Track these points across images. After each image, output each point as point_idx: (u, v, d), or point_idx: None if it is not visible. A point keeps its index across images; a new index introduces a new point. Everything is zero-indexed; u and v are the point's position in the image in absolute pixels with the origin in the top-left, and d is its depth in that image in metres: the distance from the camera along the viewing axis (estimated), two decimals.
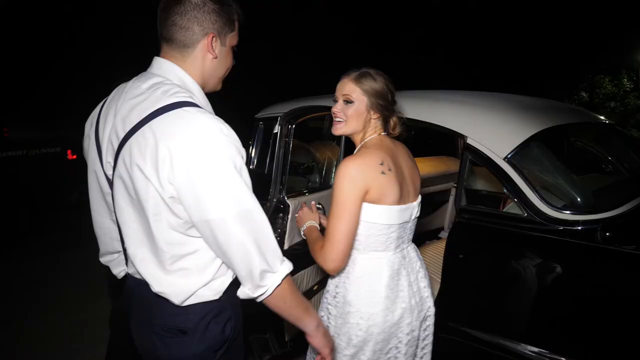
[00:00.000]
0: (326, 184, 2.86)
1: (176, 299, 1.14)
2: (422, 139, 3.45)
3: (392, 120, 1.67)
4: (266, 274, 1.12)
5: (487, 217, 2.03)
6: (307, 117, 2.67)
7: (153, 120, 1.06)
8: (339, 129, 1.64)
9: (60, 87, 9.71)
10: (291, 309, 1.21)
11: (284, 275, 1.15)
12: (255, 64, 9.87)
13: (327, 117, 2.85)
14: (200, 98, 1.20)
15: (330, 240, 1.47)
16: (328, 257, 1.48)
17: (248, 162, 2.93)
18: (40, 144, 6.04)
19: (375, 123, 1.64)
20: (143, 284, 1.18)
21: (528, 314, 1.86)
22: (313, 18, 13.55)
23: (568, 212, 1.86)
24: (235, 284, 1.20)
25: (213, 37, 1.19)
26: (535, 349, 1.76)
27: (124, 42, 10.40)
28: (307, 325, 1.26)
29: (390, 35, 14.80)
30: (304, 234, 1.70)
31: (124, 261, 1.28)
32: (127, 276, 1.29)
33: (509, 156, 1.98)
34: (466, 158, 2.06)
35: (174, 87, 1.13)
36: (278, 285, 1.14)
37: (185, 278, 1.14)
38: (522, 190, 1.93)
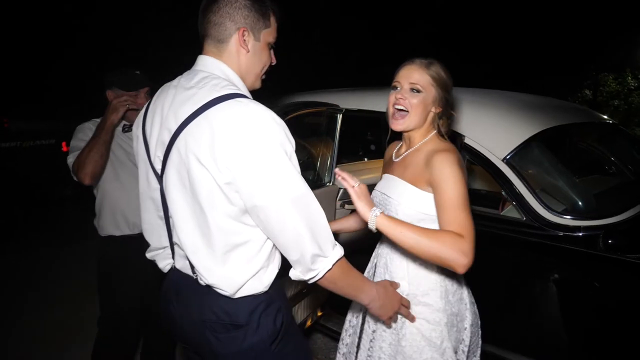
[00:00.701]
0: (320, 182, 2.77)
1: (228, 290, 1.17)
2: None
3: (443, 119, 1.50)
4: (317, 258, 1.15)
5: (484, 220, 1.94)
6: (299, 113, 2.59)
7: (207, 111, 1.10)
8: (401, 123, 1.47)
9: (58, 80, 9.70)
10: (343, 289, 1.26)
11: (335, 260, 1.18)
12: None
13: (324, 113, 2.76)
14: (245, 91, 1.23)
15: (468, 232, 1.25)
16: (469, 251, 1.22)
17: None
18: (36, 136, 5.96)
19: (431, 120, 1.50)
20: (192, 279, 1.24)
21: (525, 323, 1.78)
22: (321, 15, 13.48)
23: (569, 217, 1.77)
24: (280, 275, 1.25)
25: (244, 31, 1.21)
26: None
27: (121, 41, 10.46)
28: (361, 300, 1.33)
29: (394, 30, 14.67)
30: (377, 225, 1.30)
31: (171, 255, 1.33)
32: (173, 270, 1.34)
33: (508, 157, 1.90)
34: (463, 158, 1.98)
35: (223, 81, 1.18)
36: (329, 270, 1.17)
37: (236, 269, 1.17)
38: (521, 194, 1.85)
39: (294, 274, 1.20)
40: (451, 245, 1.21)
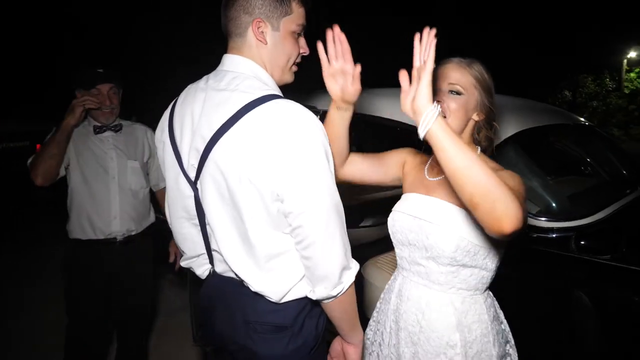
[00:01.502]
0: None
1: (275, 297, 1.14)
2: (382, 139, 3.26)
3: (483, 132, 1.29)
4: (345, 271, 1.11)
5: None
6: None
7: (244, 117, 1.06)
8: None
9: (31, 81, 9.57)
10: (352, 312, 1.19)
11: (356, 272, 1.15)
12: None
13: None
14: (275, 88, 1.17)
15: (521, 194, 1.06)
16: (523, 216, 0.96)
17: None
18: (9, 138, 5.83)
19: (470, 131, 1.29)
20: (235, 282, 1.19)
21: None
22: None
23: (543, 219, 1.78)
24: None
25: (259, 22, 1.14)
26: None
27: (94, 40, 10.35)
28: (357, 334, 1.23)
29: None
30: (433, 129, 0.98)
31: (208, 261, 1.28)
32: (213, 275, 1.28)
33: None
34: None
35: (254, 81, 1.14)
36: (350, 285, 1.13)
37: (282, 275, 1.14)
38: None
39: (319, 292, 1.11)
40: (509, 191, 0.94)
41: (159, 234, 2.46)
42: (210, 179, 1.12)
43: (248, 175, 1.05)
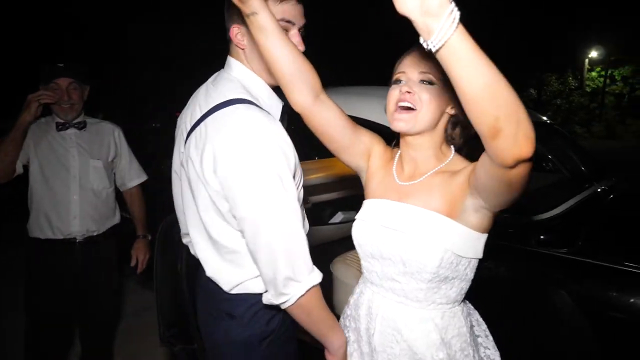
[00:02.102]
0: None
1: (225, 286, 1.19)
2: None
3: (458, 129, 1.16)
4: (290, 282, 1.08)
5: None
6: None
7: (209, 117, 1.11)
8: (406, 121, 1.09)
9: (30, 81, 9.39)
10: (315, 324, 1.16)
11: (309, 287, 1.10)
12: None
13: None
14: (256, 92, 1.19)
15: None
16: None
17: None
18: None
19: (443, 126, 1.15)
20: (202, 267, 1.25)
21: None
22: None
23: (505, 214, 1.83)
24: None
25: (236, 27, 1.18)
26: None
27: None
28: (331, 343, 1.19)
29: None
30: (450, 40, 0.73)
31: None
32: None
33: None
34: None
35: (233, 83, 1.17)
36: (302, 296, 1.09)
37: (235, 268, 1.18)
38: None
39: (266, 297, 1.13)
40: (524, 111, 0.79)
41: (125, 234, 2.42)
42: (184, 167, 1.21)
43: (200, 172, 1.11)
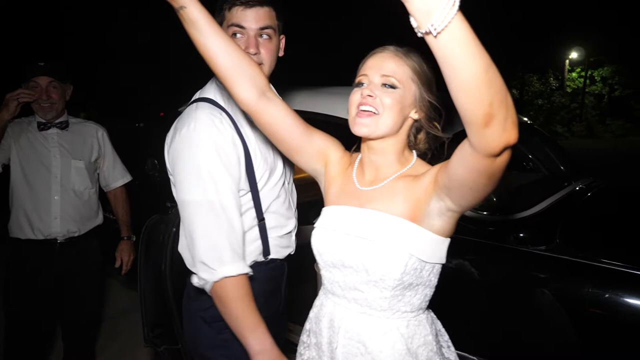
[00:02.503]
0: None
1: (187, 263, 1.30)
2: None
3: (422, 134, 1.15)
4: (203, 267, 1.18)
5: None
6: None
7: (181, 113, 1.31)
8: (367, 124, 1.05)
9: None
10: (232, 319, 1.18)
11: (222, 276, 1.16)
12: None
13: None
14: (215, 95, 1.33)
15: None
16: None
17: None
18: None
19: (407, 130, 1.12)
20: None
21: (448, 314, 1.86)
22: None
23: (484, 213, 1.88)
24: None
25: None
26: None
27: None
28: (249, 345, 1.17)
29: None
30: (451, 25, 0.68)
31: None
32: None
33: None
34: None
35: (212, 83, 1.34)
36: (216, 283, 1.17)
37: (186, 250, 1.29)
38: None
39: (192, 279, 1.25)
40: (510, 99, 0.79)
41: (109, 235, 2.41)
42: None
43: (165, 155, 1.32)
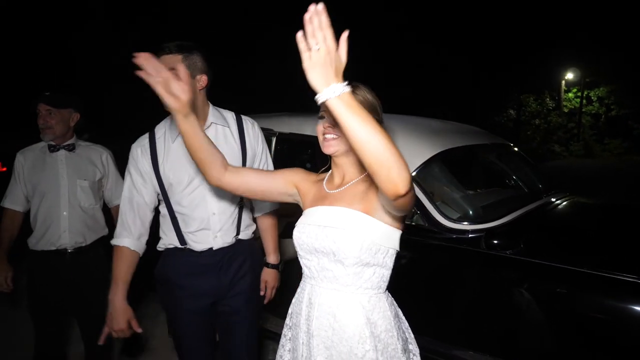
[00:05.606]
0: None
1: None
2: None
3: None
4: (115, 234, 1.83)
5: None
6: None
7: None
8: (333, 145, 1.39)
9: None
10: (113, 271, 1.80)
11: (113, 244, 1.81)
12: None
13: None
14: (166, 124, 1.87)
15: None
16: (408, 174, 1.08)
17: None
18: None
19: None
20: None
21: (424, 311, 2.05)
22: None
23: (464, 223, 2.13)
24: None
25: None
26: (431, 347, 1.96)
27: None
28: (110, 298, 1.79)
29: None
30: (336, 95, 1.02)
31: None
32: None
33: (413, 174, 2.21)
34: None
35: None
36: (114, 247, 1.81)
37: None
38: (423, 205, 2.16)
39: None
40: (402, 160, 1.06)
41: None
42: None
43: None
